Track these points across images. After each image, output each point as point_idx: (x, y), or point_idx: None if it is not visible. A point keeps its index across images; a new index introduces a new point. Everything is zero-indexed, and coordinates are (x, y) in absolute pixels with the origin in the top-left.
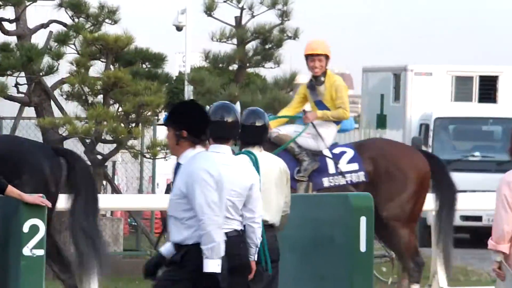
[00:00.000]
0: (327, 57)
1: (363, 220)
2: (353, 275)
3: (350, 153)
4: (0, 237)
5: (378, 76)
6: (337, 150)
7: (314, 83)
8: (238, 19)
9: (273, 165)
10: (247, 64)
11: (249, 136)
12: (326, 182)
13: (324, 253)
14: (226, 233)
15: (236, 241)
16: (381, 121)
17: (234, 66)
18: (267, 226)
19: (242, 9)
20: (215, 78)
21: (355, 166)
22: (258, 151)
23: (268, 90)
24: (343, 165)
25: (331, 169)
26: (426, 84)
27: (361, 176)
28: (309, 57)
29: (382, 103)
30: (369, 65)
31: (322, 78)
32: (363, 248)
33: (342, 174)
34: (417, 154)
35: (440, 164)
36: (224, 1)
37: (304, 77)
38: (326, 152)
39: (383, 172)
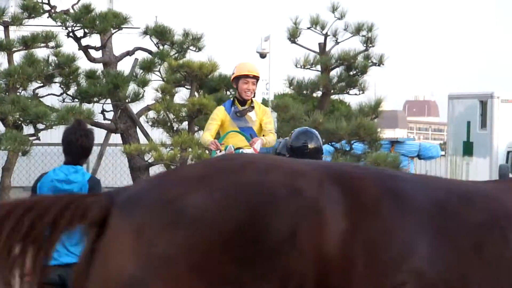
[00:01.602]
0: (258, 79)
1: None
2: None
3: None
4: None
5: (464, 103)
6: None
7: (244, 109)
8: (322, 46)
9: None
10: (331, 91)
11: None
12: None
13: None
14: None
15: None
16: (468, 149)
17: (318, 93)
18: None
19: (326, 35)
20: (299, 104)
21: None
22: None
23: (353, 117)
24: None
25: None
26: None
27: None
28: (243, 78)
29: (468, 130)
30: (455, 92)
31: (252, 104)
32: None
33: None
34: None
35: None
36: (308, 28)
37: (389, 104)
38: None
39: None
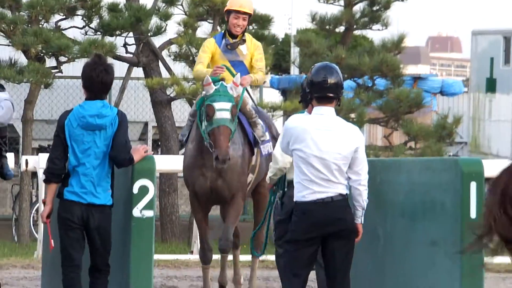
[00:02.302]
0: (250, 16)
1: (473, 185)
2: (463, 242)
3: None
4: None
5: (488, 39)
6: None
7: (235, 42)
8: None
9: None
10: (354, 26)
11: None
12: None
13: (434, 218)
14: (331, 197)
15: (341, 205)
16: (491, 85)
17: (341, 28)
18: None
19: None
20: (321, 40)
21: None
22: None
23: (376, 52)
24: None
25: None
26: None
27: None
28: (233, 13)
29: (491, 66)
30: (478, 28)
31: (244, 37)
32: (473, 214)
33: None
34: None
35: None
36: None
37: (411, 40)
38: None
39: None
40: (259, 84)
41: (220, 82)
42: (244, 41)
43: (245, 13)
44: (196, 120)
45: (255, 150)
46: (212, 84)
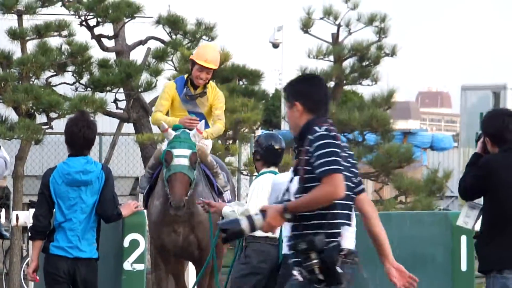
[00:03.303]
0: (214, 71)
1: (463, 239)
2: None
3: None
4: (101, 250)
5: (477, 95)
6: None
7: (195, 94)
8: (335, 36)
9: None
10: (344, 81)
11: (270, 157)
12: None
13: (425, 271)
14: None
15: None
16: None
17: (331, 83)
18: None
19: (339, 26)
20: None
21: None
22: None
23: (366, 107)
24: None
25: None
26: None
27: None
28: (198, 65)
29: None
30: (468, 84)
31: (205, 89)
32: (463, 267)
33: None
34: None
35: None
36: (321, 18)
37: (401, 95)
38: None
39: None
40: (218, 134)
41: (182, 129)
42: (205, 93)
43: (210, 68)
44: (160, 174)
45: (219, 200)
46: (169, 130)
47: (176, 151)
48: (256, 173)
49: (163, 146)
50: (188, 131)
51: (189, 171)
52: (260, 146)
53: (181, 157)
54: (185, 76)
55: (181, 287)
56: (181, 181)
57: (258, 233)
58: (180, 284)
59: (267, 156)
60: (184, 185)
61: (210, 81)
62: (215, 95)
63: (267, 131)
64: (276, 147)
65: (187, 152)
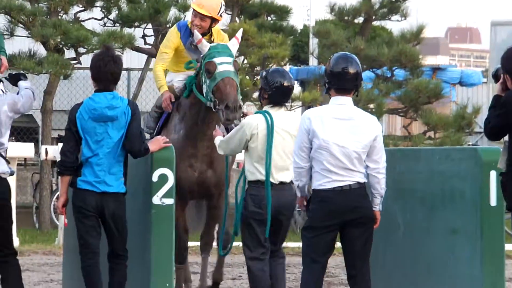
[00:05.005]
0: (213, 19)
1: (492, 174)
2: (484, 230)
3: None
4: (130, 185)
5: (507, 30)
6: None
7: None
8: None
9: (293, 122)
10: (373, 17)
11: (275, 96)
12: None
13: (454, 207)
14: (349, 185)
15: (360, 193)
16: None
17: (360, 19)
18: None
19: None
20: (340, 31)
21: None
22: (279, 110)
23: (395, 43)
24: None
25: None
26: None
27: None
28: (193, 10)
29: None
30: (497, 19)
31: (210, 38)
32: (493, 202)
33: None
34: None
35: None
36: None
37: (431, 31)
38: None
39: None
40: None
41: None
42: (211, 42)
43: (202, 15)
44: (175, 109)
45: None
46: (203, 40)
47: (217, 60)
48: None
49: (172, 81)
50: (224, 43)
51: (235, 76)
52: (268, 84)
53: (225, 64)
54: (188, 23)
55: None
56: (232, 84)
57: (254, 177)
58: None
59: (273, 95)
60: (235, 89)
61: (216, 28)
62: (222, 40)
63: (277, 67)
64: (285, 84)
65: (229, 59)
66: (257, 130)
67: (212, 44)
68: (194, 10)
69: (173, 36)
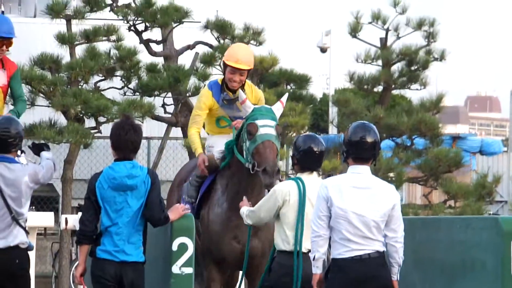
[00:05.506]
0: (249, 70)
1: None
2: None
3: None
4: (149, 254)
5: None
6: None
7: (234, 98)
8: (383, 41)
9: None
10: (392, 86)
11: (306, 161)
12: None
13: (475, 277)
14: (368, 254)
15: (378, 262)
16: None
17: (379, 88)
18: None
19: (387, 30)
20: (359, 99)
21: None
22: (310, 176)
23: (414, 112)
24: None
25: None
26: None
27: None
28: (230, 67)
29: None
30: None
31: (243, 92)
32: None
33: None
34: None
35: None
36: (369, 23)
37: (450, 100)
38: None
39: None
40: None
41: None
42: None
43: (242, 70)
44: (217, 181)
45: None
46: (247, 101)
47: (260, 122)
48: None
49: (211, 150)
50: (268, 106)
51: (276, 140)
52: (297, 149)
53: (267, 127)
54: (219, 80)
55: None
56: (272, 148)
57: (284, 246)
58: None
59: (303, 160)
60: (275, 152)
61: (247, 81)
62: (255, 96)
63: (309, 133)
64: (315, 149)
65: (272, 122)
66: (289, 197)
67: (256, 106)
68: (230, 66)
69: (204, 97)
